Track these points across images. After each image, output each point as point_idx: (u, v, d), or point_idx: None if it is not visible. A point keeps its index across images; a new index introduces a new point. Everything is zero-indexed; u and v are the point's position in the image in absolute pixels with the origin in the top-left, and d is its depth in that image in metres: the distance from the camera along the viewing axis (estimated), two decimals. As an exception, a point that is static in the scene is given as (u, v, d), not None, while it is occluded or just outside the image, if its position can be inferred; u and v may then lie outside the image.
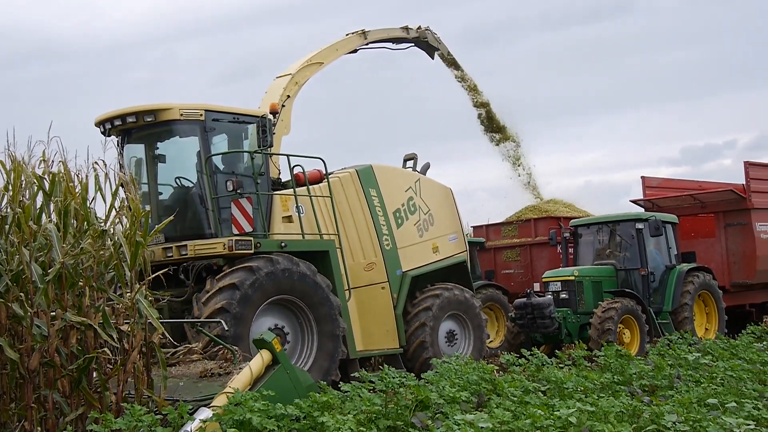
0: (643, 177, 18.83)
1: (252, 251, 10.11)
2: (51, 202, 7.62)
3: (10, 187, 7.41)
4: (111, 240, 7.62)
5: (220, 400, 6.91)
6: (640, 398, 7.75)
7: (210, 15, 56.16)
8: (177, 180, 11.00)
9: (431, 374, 8.81)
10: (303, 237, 10.96)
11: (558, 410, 6.39)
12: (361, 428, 6.35)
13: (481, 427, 5.94)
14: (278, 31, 62.37)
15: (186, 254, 10.26)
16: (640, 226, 15.34)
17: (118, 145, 10.88)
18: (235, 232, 10.32)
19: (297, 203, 11.09)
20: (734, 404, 7.01)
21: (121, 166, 10.76)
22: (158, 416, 6.61)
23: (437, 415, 7.14)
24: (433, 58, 17.08)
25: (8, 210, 7.41)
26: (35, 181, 7.61)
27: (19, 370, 7.02)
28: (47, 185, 7.61)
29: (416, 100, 56.00)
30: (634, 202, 18.90)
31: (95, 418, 6.61)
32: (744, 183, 17.47)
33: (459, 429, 5.90)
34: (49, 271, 7.22)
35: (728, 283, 17.46)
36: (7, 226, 7.39)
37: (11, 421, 7.14)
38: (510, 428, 6.13)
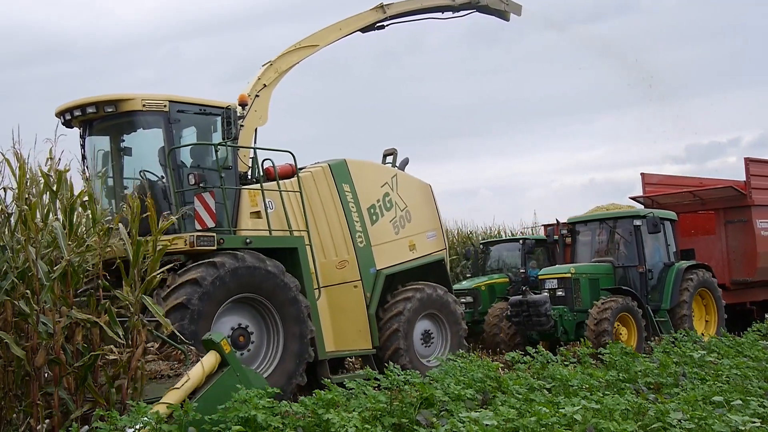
0: (642, 174, 18.68)
1: (214, 247, 9.66)
2: (57, 200, 7.65)
3: (16, 185, 7.43)
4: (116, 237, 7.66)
5: (160, 407, 6.65)
6: (645, 396, 7.74)
7: (215, 14, 56.18)
8: (142, 173, 10.48)
9: (436, 372, 8.81)
10: (270, 233, 10.56)
11: (563, 408, 6.38)
12: (366, 425, 6.35)
13: (486, 425, 5.93)
14: (283, 31, 62.37)
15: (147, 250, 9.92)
16: (638, 222, 15.19)
17: (80, 136, 10.54)
18: (198, 227, 9.90)
19: (264, 198, 10.66)
20: (740, 402, 6.99)
21: (84, 159, 10.47)
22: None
23: (442, 413, 7.14)
24: (508, 20, 16.04)
25: (14, 207, 7.43)
26: (42, 178, 7.64)
27: (25, 367, 7.04)
28: (54, 183, 7.64)
29: (420, 98, 56.01)
30: (634, 198, 18.73)
31: (100, 415, 6.63)
32: (744, 180, 17.31)
33: (464, 426, 5.90)
34: (55, 268, 7.24)
35: (729, 281, 17.29)
36: (13, 224, 7.42)
37: (17, 418, 7.17)
38: (515, 426, 6.13)
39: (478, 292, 17.38)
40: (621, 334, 14.17)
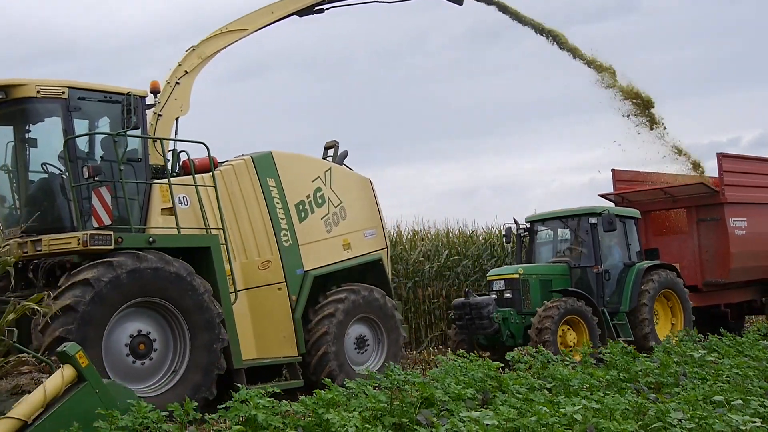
0: (613, 170, 17.66)
1: (111, 247, 8.89)
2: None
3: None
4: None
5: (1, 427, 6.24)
6: (645, 395, 7.75)
7: (219, 14, 56.19)
8: (44, 166, 9.77)
9: (437, 372, 8.81)
10: (179, 231, 9.83)
11: (563, 407, 6.38)
12: (366, 425, 6.34)
13: (487, 425, 5.93)
14: (287, 29, 62.23)
15: (40, 250, 9.07)
16: (593, 221, 14.28)
17: None
18: (96, 225, 9.23)
19: (173, 194, 9.92)
20: (740, 402, 6.99)
21: None
22: (164, 413, 6.61)
23: (442, 413, 7.14)
24: (461, 5, 14.55)
25: None
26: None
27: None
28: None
29: (421, 98, 55.99)
30: (603, 196, 17.48)
31: (101, 414, 6.62)
32: (717, 176, 16.35)
33: (464, 426, 5.90)
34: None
35: (701, 282, 16.36)
36: None
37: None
38: (515, 425, 6.12)
39: None
40: (568, 337, 13.33)
